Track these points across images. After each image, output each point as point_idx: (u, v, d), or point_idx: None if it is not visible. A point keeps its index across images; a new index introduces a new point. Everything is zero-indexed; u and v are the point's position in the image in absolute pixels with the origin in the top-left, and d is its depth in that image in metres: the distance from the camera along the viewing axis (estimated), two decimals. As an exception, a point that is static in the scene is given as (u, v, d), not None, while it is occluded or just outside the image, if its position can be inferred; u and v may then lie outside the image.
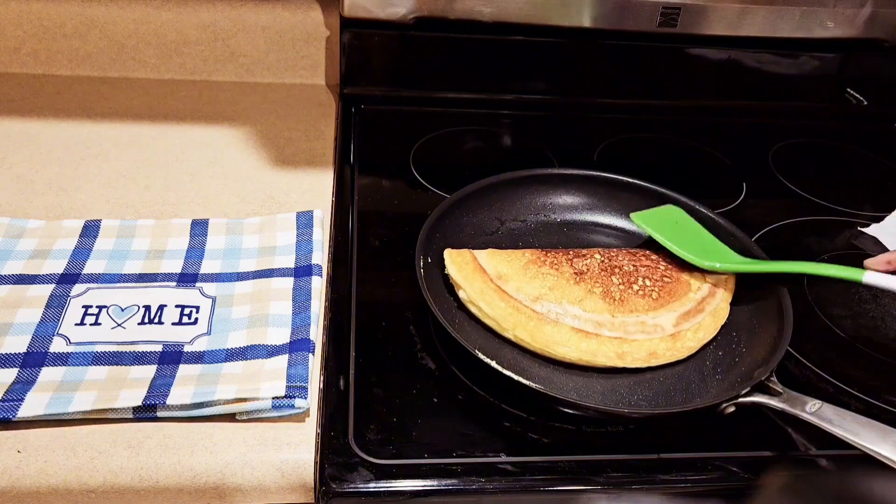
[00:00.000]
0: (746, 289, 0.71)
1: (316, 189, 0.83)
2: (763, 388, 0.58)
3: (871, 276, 0.63)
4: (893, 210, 0.87)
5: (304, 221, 0.75)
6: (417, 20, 0.95)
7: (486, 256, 0.69)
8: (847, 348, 0.69)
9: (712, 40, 0.99)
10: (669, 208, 0.77)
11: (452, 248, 0.70)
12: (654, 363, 0.63)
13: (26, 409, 0.55)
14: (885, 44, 1.02)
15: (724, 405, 0.57)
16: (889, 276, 0.62)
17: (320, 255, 0.71)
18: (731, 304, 0.70)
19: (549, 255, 0.70)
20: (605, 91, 1.04)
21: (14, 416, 0.54)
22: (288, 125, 0.95)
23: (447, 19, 0.95)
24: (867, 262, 0.66)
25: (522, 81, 1.02)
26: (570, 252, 0.71)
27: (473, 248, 0.70)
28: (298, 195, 0.82)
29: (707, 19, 0.97)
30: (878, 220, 0.87)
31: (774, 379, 0.58)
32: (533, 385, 0.58)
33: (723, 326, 0.68)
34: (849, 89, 1.06)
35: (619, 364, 0.62)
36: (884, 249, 0.83)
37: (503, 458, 0.56)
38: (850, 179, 0.98)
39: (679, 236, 0.73)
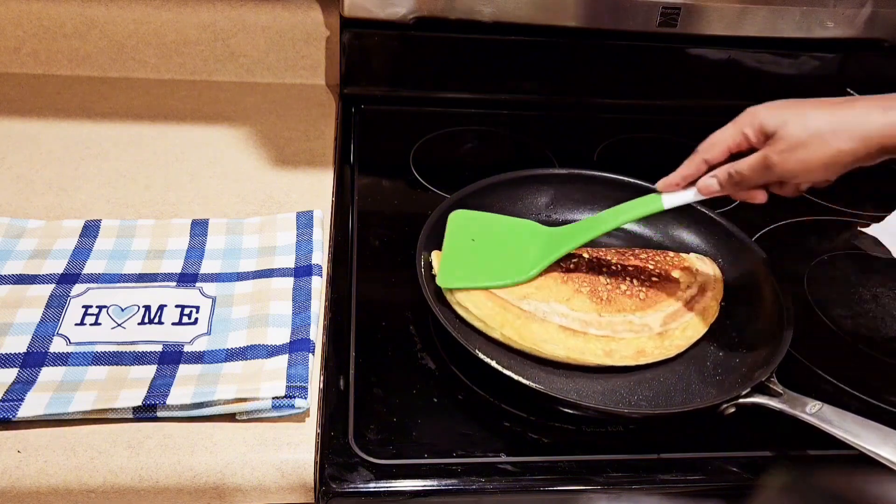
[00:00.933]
0: (746, 289, 0.71)
1: (316, 189, 0.83)
2: (763, 389, 0.58)
3: (669, 199, 0.63)
4: (893, 210, 0.87)
5: (304, 221, 0.75)
6: (417, 20, 0.95)
7: None
8: (847, 348, 0.69)
9: (712, 40, 0.99)
10: (456, 218, 0.73)
11: None
12: (642, 361, 0.63)
13: (26, 409, 0.55)
14: (885, 44, 1.02)
15: (725, 406, 0.57)
16: (685, 192, 0.62)
17: (320, 255, 0.71)
18: (731, 304, 0.70)
19: None
20: (605, 91, 1.04)
21: (14, 416, 0.54)
22: (288, 125, 0.95)
23: (447, 19, 0.95)
24: (658, 184, 0.64)
25: (522, 81, 1.02)
26: None
27: None
28: (298, 195, 0.82)
29: (707, 19, 0.97)
30: (878, 220, 0.87)
31: (774, 379, 0.58)
32: (533, 385, 0.58)
33: (723, 326, 0.68)
34: (849, 89, 1.06)
35: (608, 362, 0.63)
36: (884, 249, 0.83)
37: (503, 458, 0.56)
38: (850, 179, 0.97)
39: (486, 257, 0.69)
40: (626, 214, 0.66)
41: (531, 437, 0.58)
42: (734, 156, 0.59)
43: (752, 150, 0.58)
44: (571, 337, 0.63)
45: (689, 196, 0.62)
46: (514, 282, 0.67)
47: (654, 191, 0.64)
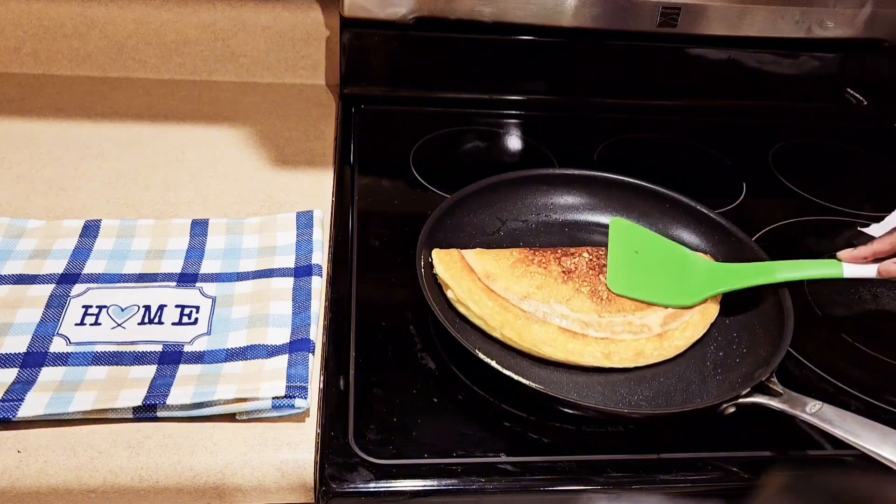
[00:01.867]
0: (747, 289, 0.71)
1: (316, 189, 0.83)
2: (763, 389, 0.58)
3: (850, 270, 0.64)
4: (893, 210, 0.87)
5: (304, 221, 0.75)
6: (417, 20, 0.95)
7: (474, 256, 0.69)
8: (847, 348, 0.69)
9: (712, 40, 0.99)
10: (628, 231, 0.75)
11: (454, 248, 0.70)
12: (641, 363, 0.63)
13: (26, 409, 0.55)
14: (885, 44, 1.02)
15: (725, 406, 0.57)
16: (867, 267, 0.64)
17: (320, 255, 0.71)
18: (731, 304, 0.70)
19: (537, 253, 0.70)
20: (605, 91, 1.04)
21: (14, 416, 0.54)
22: (288, 125, 0.95)
23: (447, 19, 0.95)
24: (841, 255, 0.66)
25: (522, 81, 1.02)
26: (559, 251, 0.71)
27: (473, 248, 0.70)
28: (298, 195, 0.82)
29: (707, 19, 0.97)
30: (878, 220, 0.87)
31: (775, 379, 0.58)
32: (533, 385, 0.58)
33: (723, 327, 0.68)
34: (849, 89, 1.06)
35: (607, 364, 0.63)
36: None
37: (503, 458, 0.56)
38: (850, 179, 0.98)
39: (651, 273, 0.71)
40: (803, 273, 0.66)
41: (531, 437, 0.58)
42: None
43: None
44: (571, 340, 0.63)
45: (870, 272, 0.64)
46: (679, 304, 0.67)
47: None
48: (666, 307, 0.67)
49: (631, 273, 0.70)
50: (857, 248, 0.65)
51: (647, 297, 0.68)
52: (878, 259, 0.63)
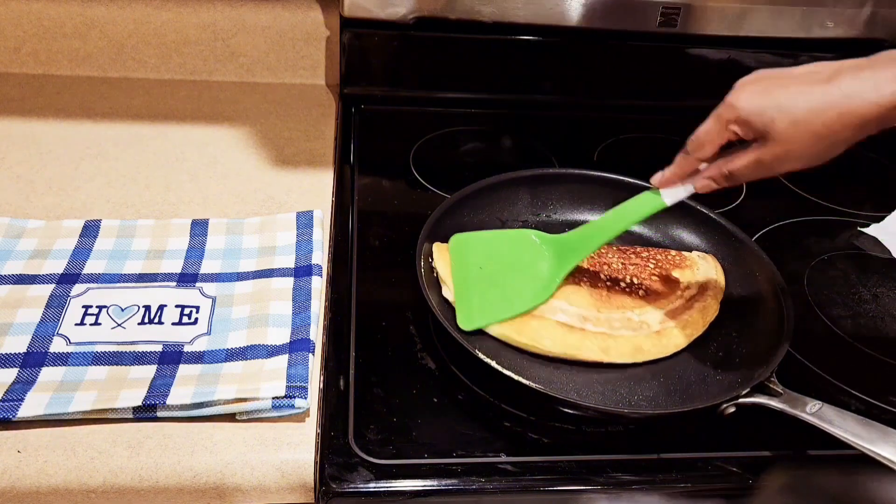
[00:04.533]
0: (746, 289, 0.71)
1: (316, 189, 0.83)
2: (763, 389, 0.58)
3: (669, 195, 0.61)
4: (893, 210, 0.87)
5: (304, 221, 0.75)
6: (417, 20, 0.95)
7: None
8: (847, 348, 0.69)
9: (712, 40, 0.99)
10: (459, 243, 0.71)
11: None
12: (639, 359, 0.63)
13: (26, 409, 0.55)
14: (885, 44, 1.02)
15: (725, 406, 0.57)
16: (683, 187, 0.60)
17: (320, 255, 0.71)
18: (731, 304, 0.70)
19: None
20: (605, 91, 1.04)
21: (14, 416, 0.54)
22: (288, 125, 0.95)
23: (447, 19, 0.95)
24: (654, 179, 0.62)
25: (522, 81, 1.02)
26: None
27: None
28: (298, 195, 0.82)
29: (707, 19, 0.97)
30: (878, 220, 0.87)
31: (774, 379, 0.58)
32: (533, 385, 0.58)
33: (723, 327, 0.68)
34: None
35: (604, 359, 0.63)
36: (884, 249, 0.83)
37: (503, 458, 0.56)
38: (850, 179, 0.98)
39: (500, 284, 0.67)
40: (631, 216, 0.64)
41: (531, 437, 0.58)
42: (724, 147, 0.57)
43: (741, 140, 0.56)
44: (569, 333, 0.63)
45: (687, 191, 0.61)
46: (535, 304, 0.65)
47: (647, 188, 0.63)
48: (529, 311, 0.64)
49: (481, 296, 0.66)
50: (664, 173, 0.61)
51: (505, 313, 0.64)
52: (686, 179, 0.59)
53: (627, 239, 0.78)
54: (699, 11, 0.96)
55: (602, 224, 0.66)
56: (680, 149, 0.60)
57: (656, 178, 0.62)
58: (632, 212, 0.64)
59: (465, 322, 0.64)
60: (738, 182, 0.57)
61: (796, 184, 0.93)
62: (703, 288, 0.69)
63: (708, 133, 0.57)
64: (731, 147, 0.57)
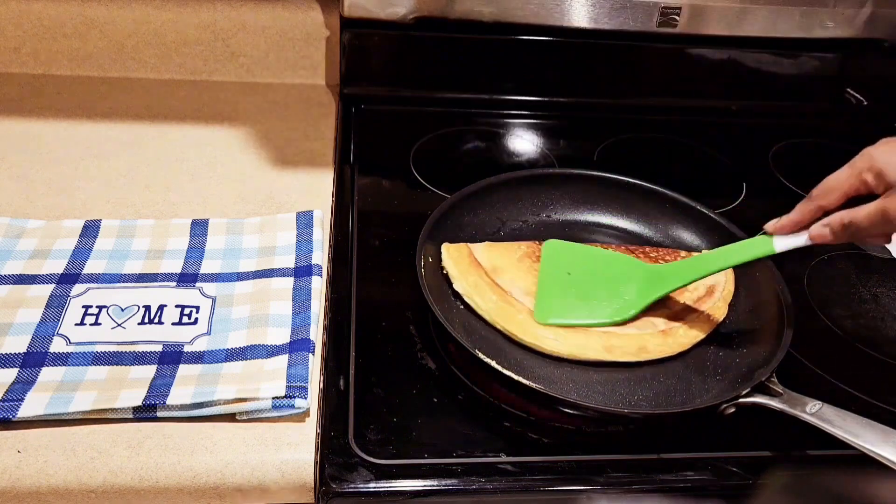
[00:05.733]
0: (746, 289, 0.71)
1: (316, 189, 0.83)
2: (763, 389, 0.58)
3: (781, 243, 0.60)
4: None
5: (304, 221, 0.75)
6: (417, 20, 0.95)
7: (481, 250, 0.70)
8: (847, 348, 0.69)
9: (712, 40, 0.99)
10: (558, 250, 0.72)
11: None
12: (644, 358, 0.63)
13: (26, 409, 0.55)
14: (885, 44, 1.02)
15: (725, 406, 0.57)
16: (797, 236, 0.60)
17: (320, 255, 0.71)
18: (732, 303, 0.70)
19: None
20: (605, 91, 1.04)
21: (14, 416, 0.54)
22: (288, 125, 0.95)
23: (447, 19, 0.95)
24: (768, 226, 0.62)
25: (522, 81, 1.02)
26: None
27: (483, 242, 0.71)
28: (298, 195, 0.82)
29: (707, 19, 0.97)
30: (878, 220, 0.86)
31: (775, 379, 0.58)
32: (533, 385, 0.58)
33: (723, 326, 0.68)
34: (849, 89, 1.06)
35: (609, 358, 0.63)
36: (884, 249, 0.83)
37: (503, 458, 0.56)
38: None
39: (584, 293, 0.68)
40: (736, 256, 0.63)
41: (531, 437, 0.58)
42: (850, 199, 0.57)
43: (870, 193, 0.56)
44: (573, 333, 0.63)
45: (800, 241, 0.60)
46: (611, 321, 0.65)
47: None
48: (599, 325, 0.65)
49: (562, 298, 0.67)
50: (781, 219, 0.60)
51: (581, 319, 0.65)
52: (804, 227, 0.59)
53: (626, 239, 0.78)
54: (699, 11, 0.96)
55: (703, 259, 0.66)
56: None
57: (771, 225, 0.61)
58: (737, 252, 0.64)
59: (542, 315, 0.65)
60: (855, 236, 0.56)
61: (796, 184, 0.93)
62: (710, 290, 0.69)
63: (838, 179, 0.57)
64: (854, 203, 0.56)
